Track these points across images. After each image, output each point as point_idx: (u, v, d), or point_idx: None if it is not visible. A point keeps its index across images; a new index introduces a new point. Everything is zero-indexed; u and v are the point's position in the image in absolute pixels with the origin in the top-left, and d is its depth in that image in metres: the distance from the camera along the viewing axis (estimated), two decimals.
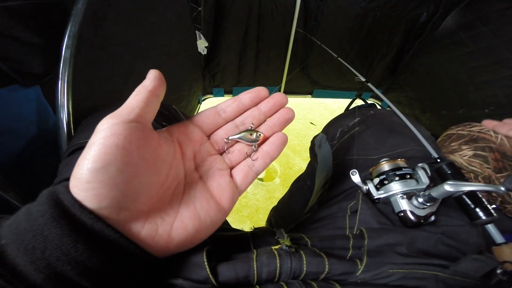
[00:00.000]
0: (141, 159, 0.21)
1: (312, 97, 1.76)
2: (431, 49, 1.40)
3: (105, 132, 0.19)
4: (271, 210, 0.96)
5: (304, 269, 0.28)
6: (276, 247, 0.30)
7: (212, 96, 1.67)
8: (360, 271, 0.29)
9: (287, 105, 0.31)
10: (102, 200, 0.19)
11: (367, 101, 1.77)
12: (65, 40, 0.47)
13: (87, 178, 0.18)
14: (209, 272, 0.24)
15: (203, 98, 1.65)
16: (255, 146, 0.29)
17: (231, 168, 0.28)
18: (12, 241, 0.17)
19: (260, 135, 0.28)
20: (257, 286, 0.27)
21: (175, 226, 0.23)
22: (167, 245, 0.22)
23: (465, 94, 1.20)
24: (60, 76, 0.46)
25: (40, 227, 0.17)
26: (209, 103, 1.66)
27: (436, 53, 1.37)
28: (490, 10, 1.14)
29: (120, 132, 0.20)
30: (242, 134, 0.28)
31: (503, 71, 1.07)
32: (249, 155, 0.29)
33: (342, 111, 0.86)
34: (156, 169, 0.23)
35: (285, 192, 0.87)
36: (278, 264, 0.27)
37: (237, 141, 0.29)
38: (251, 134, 0.28)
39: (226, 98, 1.62)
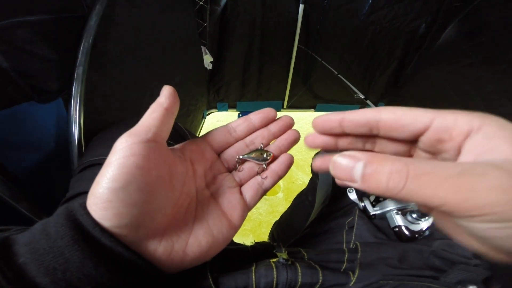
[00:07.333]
0: (159, 178, 0.21)
1: (315, 111, 1.77)
2: (433, 60, 1.41)
3: (124, 152, 0.19)
4: (273, 224, 0.96)
5: (299, 280, 0.29)
6: (274, 260, 0.31)
7: (216, 110, 1.69)
8: (352, 282, 0.30)
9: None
10: (122, 219, 0.19)
11: None
12: (79, 57, 0.48)
13: (107, 197, 0.18)
14: (211, 282, 0.26)
15: (207, 113, 1.68)
16: (265, 165, 0.29)
17: (240, 186, 0.29)
18: (31, 261, 0.17)
19: (270, 154, 0.29)
20: None
21: (190, 243, 0.23)
22: (182, 261, 0.23)
23: (471, 106, 1.19)
24: (73, 92, 0.47)
25: (61, 249, 0.17)
26: (213, 117, 1.69)
27: (439, 65, 1.38)
28: (490, 19, 1.13)
29: (139, 152, 0.20)
30: (253, 153, 0.29)
31: (508, 81, 1.06)
32: (259, 173, 0.29)
33: None
34: (171, 187, 0.23)
35: (288, 206, 0.88)
36: (275, 276, 0.29)
37: (247, 160, 0.30)
38: (261, 153, 0.29)
39: (230, 112, 1.64)
